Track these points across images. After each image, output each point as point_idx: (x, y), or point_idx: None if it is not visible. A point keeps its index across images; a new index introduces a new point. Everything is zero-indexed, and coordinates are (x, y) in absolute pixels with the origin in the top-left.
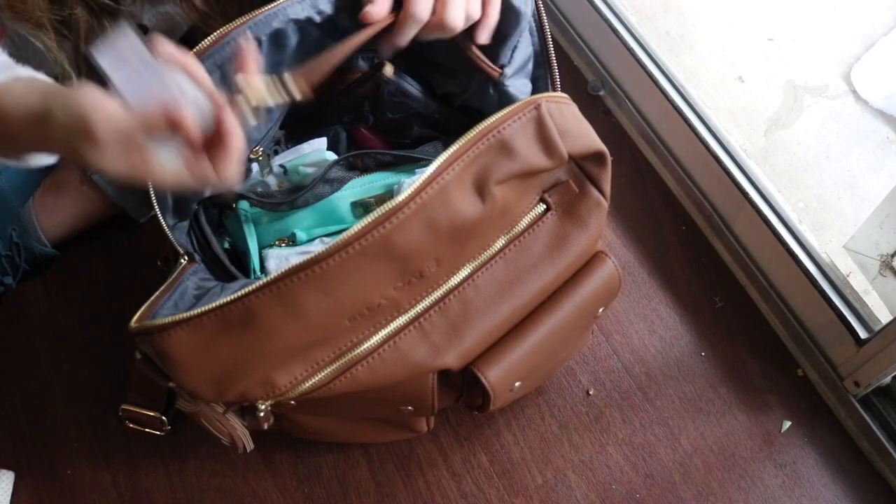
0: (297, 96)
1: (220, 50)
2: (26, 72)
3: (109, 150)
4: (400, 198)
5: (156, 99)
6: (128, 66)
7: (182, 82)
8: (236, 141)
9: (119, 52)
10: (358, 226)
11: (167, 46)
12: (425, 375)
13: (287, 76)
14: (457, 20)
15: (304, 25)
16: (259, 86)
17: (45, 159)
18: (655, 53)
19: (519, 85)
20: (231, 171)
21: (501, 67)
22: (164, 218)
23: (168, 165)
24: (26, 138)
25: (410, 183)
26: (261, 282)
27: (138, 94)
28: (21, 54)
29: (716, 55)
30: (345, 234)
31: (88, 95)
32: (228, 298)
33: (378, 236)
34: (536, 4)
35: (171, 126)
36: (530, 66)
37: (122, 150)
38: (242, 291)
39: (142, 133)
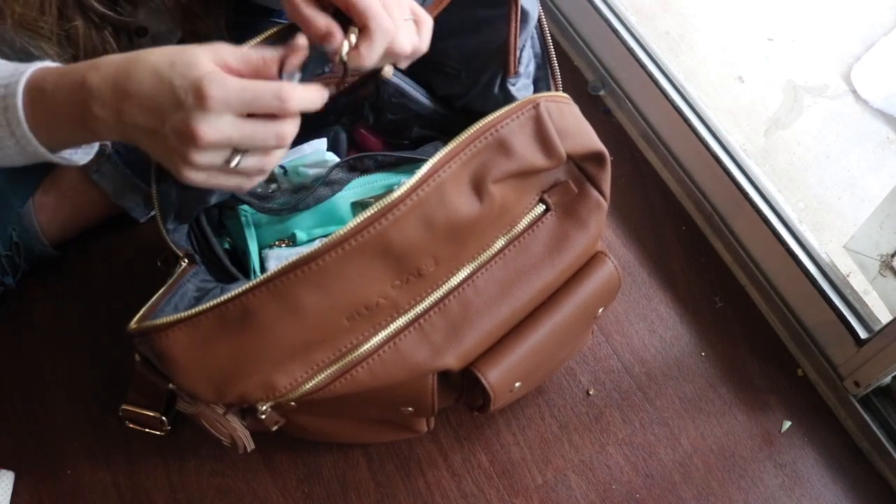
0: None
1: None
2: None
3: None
4: (396, 194)
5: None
6: None
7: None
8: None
9: None
10: (354, 222)
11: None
12: (425, 376)
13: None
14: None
15: None
16: None
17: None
18: (655, 53)
19: (521, 86)
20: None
21: None
22: (165, 221)
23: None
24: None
25: None
26: (257, 279)
27: None
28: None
29: (716, 55)
30: (341, 231)
31: (208, 59)
32: (225, 297)
33: (374, 233)
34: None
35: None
36: (532, 67)
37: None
38: (239, 289)
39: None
